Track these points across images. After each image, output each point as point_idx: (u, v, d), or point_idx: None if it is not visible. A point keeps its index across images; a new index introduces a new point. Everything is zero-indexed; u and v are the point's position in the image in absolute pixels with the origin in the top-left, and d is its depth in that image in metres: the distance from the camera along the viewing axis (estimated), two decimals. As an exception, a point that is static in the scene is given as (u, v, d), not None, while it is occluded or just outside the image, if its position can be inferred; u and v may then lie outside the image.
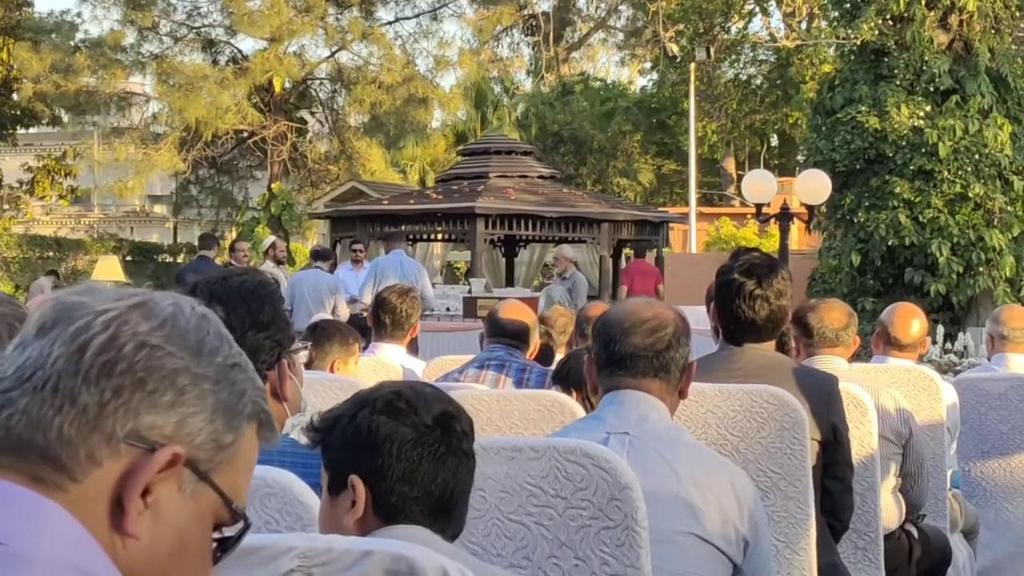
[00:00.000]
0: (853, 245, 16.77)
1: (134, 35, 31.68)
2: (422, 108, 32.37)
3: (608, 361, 2.71)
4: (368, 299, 10.35)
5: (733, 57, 32.27)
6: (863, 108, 16.82)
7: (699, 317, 3.76)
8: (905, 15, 16.84)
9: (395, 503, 1.95)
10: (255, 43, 31.97)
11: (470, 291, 15.15)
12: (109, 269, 17.52)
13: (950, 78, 16.66)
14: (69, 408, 1.03)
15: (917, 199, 16.38)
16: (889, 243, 16.35)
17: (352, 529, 1.93)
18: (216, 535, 1.12)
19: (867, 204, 16.72)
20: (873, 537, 3.85)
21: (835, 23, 19.38)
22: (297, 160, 32.38)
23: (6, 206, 28.39)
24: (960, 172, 16.29)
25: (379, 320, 5.42)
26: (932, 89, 16.73)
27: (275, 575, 1.49)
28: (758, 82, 33.02)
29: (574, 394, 3.65)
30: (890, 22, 17.01)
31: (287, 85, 31.65)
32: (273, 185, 30.41)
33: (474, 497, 2.06)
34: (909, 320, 4.90)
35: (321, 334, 4.55)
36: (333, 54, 32.47)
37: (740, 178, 26.48)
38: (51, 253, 29.34)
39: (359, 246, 14.07)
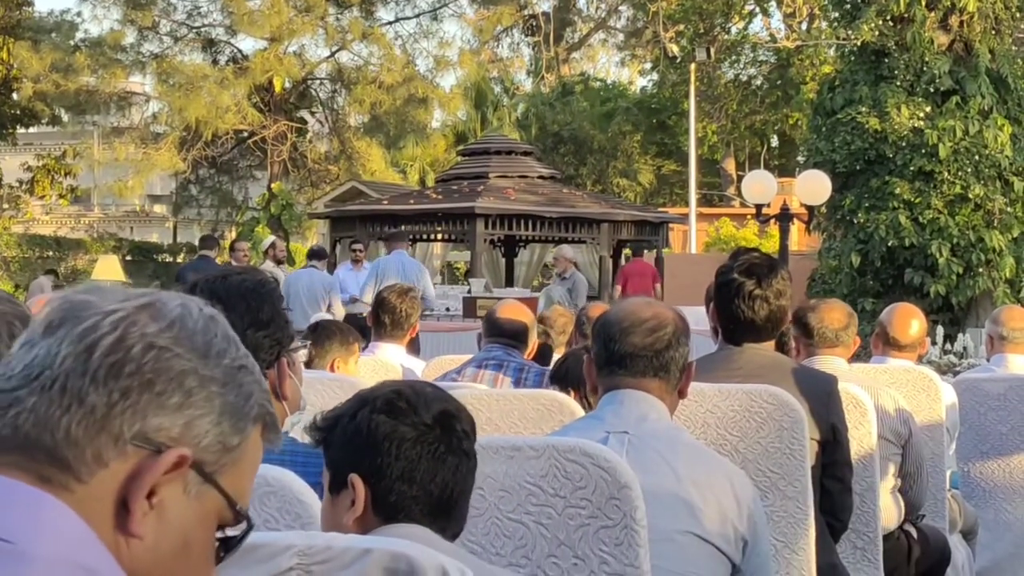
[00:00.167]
0: (853, 246, 16.76)
1: (134, 35, 31.66)
2: (422, 108, 32.34)
3: (608, 360, 2.72)
4: (369, 299, 10.34)
5: (733, 58, 32.28)
6: (863, 109, 16.81)
7: (699, 317, 3.76)
8: (905, 16, 16.84)
9: (394, 502, 1.95)
10: (255, 43, 31.98)
11: (470, 291, 15.14)
12: (109, 269, 17.50)
13: (950, 79, 16.66)
14: (77, 408, 1.03)
15: (917, 200, 16.37)
16: (889, 244, 16.35)
17: (352, 528, 1.93)
18: (219, 535, 1.12)
19: (867, 205, 16.71)
20: (872, 537, 3.85)
21: (835, 24, 19.38)
22: (297, 160, 32.35)
23: (6, 205, 28.35)
24: (960, 173, 16.29)
25: (379, 320, 5.42)
26: (932, 90, 16.73)
27: (274, 573, 1.49)
28: (758, 83, 33.01)
29: (572, 393, 3.65)
30: (890, 23, 17.01)
31: (287, 85, 31.61)
32: (273, 185, 30.38)
33: (473, 496, 2.06)
34: (908, 320, 4.90)
35: (321, 333, 4.57)
36: (333, 54, 32.45)
37: (740, 179, 26.46)
38: (51, 253, 29.33)
39: (359, 246, 14.04)
